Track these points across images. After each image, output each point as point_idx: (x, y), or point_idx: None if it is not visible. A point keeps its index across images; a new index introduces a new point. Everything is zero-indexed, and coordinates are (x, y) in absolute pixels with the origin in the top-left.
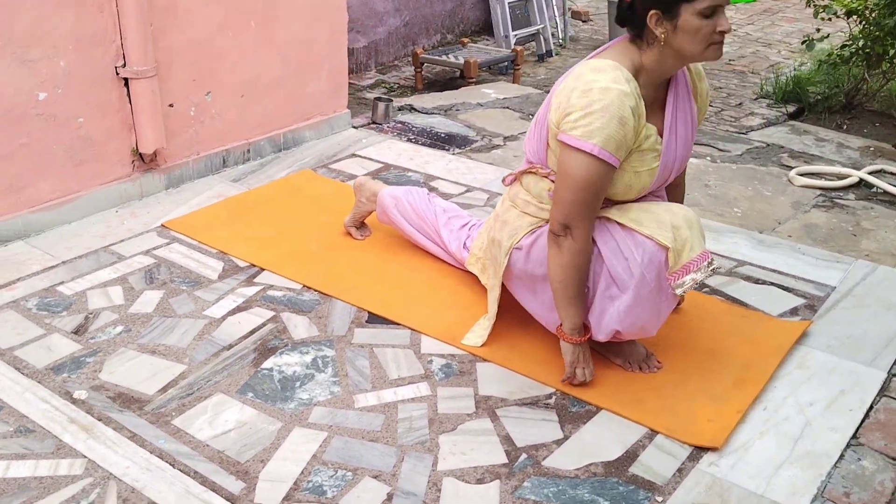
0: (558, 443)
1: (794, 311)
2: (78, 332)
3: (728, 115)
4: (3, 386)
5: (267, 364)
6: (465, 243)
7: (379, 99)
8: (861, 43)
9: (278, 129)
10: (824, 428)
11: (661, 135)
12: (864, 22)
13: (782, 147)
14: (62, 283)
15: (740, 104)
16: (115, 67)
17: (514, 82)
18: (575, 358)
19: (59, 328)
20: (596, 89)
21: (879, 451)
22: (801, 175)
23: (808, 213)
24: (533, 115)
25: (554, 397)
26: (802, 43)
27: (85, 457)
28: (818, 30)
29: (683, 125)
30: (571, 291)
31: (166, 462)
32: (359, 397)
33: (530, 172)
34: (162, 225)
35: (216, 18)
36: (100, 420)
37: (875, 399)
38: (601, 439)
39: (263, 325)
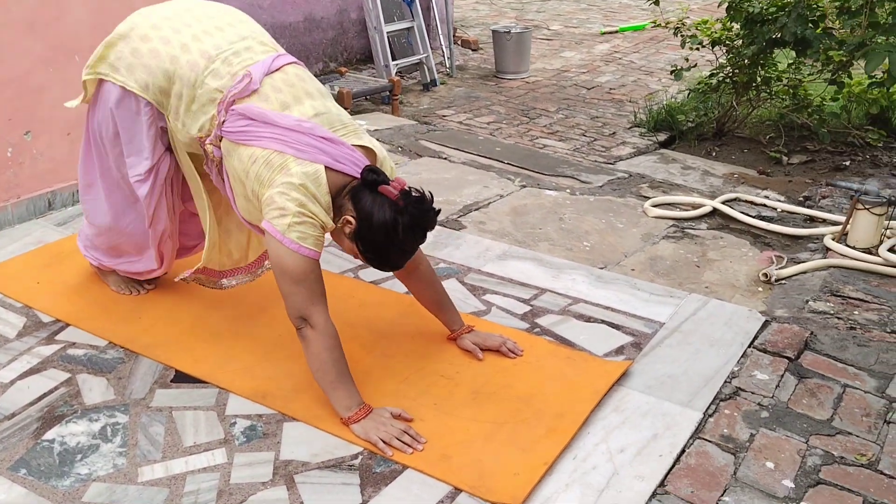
0: None
1: (619, 351)
2: None
3: (600, 144)
4: None
5: (49, 435)
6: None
7: None
8: (727, 71)
9: None
10: (631, 476)
11: None
12: (729, 51)
13: (644, 177)
14: None
15: (613, 133)
16: None
17: (392, 113)
18: (365, 433)
19: None
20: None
21: (685, 500)
22: (656, 206)
23: (657, 244)
24: (403, 147)
25: (360, 457)
26: (671, 72)
27: None
28: (686, 59)
29: None
30: (332, 376)
31: None
32: (144, 469)
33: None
34: None
35: (35, 52)
36: None
37: (688, 442)
38: (401, 502)
39: (55, 388)
